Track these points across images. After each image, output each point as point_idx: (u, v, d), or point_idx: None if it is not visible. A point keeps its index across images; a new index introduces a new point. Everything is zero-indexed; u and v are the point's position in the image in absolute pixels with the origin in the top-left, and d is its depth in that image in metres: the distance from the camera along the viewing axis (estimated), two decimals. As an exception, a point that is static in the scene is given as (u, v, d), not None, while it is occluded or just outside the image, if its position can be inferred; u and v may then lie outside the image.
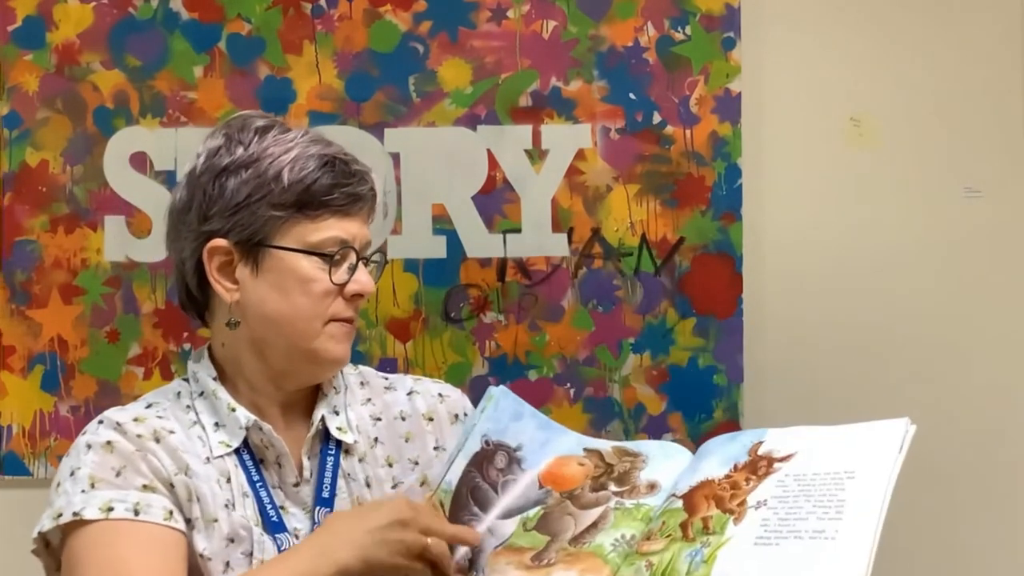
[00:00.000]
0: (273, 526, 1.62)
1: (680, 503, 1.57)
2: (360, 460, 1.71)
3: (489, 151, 2.53)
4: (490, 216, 2.52)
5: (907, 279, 2.54)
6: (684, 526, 1.55)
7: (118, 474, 1.58)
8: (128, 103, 2.53)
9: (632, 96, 2.53)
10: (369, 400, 1.77)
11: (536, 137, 2.53)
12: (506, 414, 1.72)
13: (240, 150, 1.64)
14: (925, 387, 2.53)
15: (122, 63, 2.53)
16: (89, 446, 1.60)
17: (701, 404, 2.52)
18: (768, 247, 2.54)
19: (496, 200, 2.53)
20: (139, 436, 1.61)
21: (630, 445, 1.70)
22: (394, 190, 2.53)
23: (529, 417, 1.72)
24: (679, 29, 2.52)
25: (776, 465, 1.55)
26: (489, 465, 1.68)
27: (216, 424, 1.66)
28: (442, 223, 2.52)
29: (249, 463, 1.65)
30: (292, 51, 2.53)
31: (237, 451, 1.65)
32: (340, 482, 1.68)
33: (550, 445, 1.69)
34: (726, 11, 2.51)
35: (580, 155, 2.53)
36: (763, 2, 2.54)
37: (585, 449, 1.69)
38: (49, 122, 2.52)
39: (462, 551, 1.63)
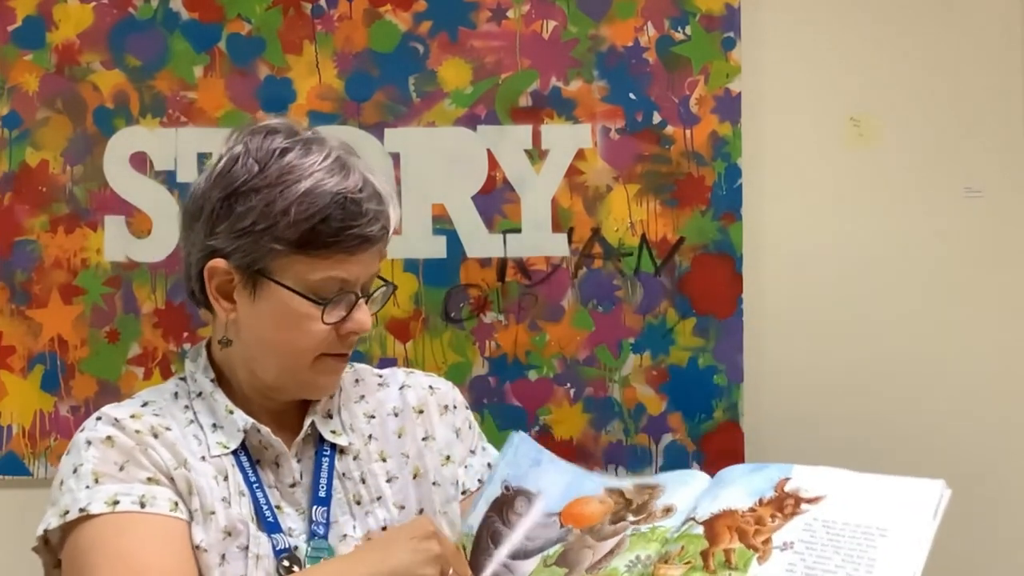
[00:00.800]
0: (269, 526, 1.62)
1: (700, 529, 1.55)
2: (355, 458, 1.71)
3: (489, 151, 2.53)
4: (490, 216, 2.52)
5: (907, 279, 2.54)
6: (705, 555, 1.52)
7: (121, 468, 1.58)
8: (128, 103, 2.52)
9: (632, 96, 2.53)
10: (363, 398, 1.77)
11: (536, 137, 2.53)
12: (525, 460, 1.73)
13: (256, 169, 1.60)
14: (925, 385, 2.53)
15: (122, 63, 2.53)
16: (89, 442, 1.60)
17: (701, 404, 2.52)
18: (768, 247, 2.54)
19: (496, 200, 2.53)
20: (137, 432, 1.61)
21: (650, 479, 1.68)
22: (394, 190, 2.52)
23: (548, 463, 1.73)
24: (679, 29, 2.52)
25: (804, 506, 1.52)
26: (509, 510, 1.69)
27: (214, 425, 1.66)
28: (442, 223, 2.52)
29: (246, 463, 1.65)
30: (292, 51, 2.53)
31: (234, 452, 1.65)
32: (336, 482, 1.68)
33: (571, 488, 1.70)
34: (726, 11, 2.51)
35: (580, 155, 2.53)
36: (763, 2, 2.54)
37: (606, 489, 1.68)
38: (49, 122, 2.52)
39: None
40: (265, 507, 1.63)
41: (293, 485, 1.66)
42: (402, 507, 1.71)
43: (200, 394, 1.68)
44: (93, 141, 2.52)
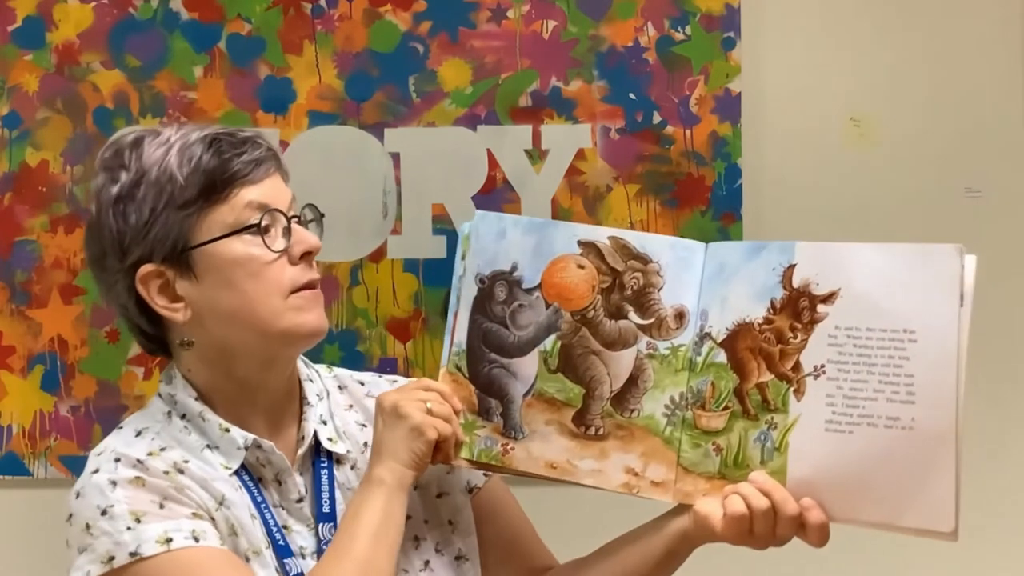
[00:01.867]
0: (281, 550, 1.54)
1: (723, 355, 1.50)
2: (352, 468, 1.63)
3: (489, 151, 2.53)
4: (490, 216, 2.52)
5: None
6: (740, 396, 1.49)
7: (161, 506, 1.48)
8: (128, 103, 2.53)
9: (632, 96, 2.53)
10: (351, 406, 1.69)
11: (536, 137, 2.53)
12: (489, 238, 1.58)
13: (123, 174, 1.54)
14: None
15: (122, 63, 2.53)
16: (114, 483, 1.49)
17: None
18: (768, 247, 2.53)
19: (496, 200, 2.53)
20: (166, 472, 1.51)
21: (632, 240, 1.55)
22: (394, 190, 2.53)
23: (512, 227, 1.58)
24: (679, 29, 2.52)
25: (821, 309, 1.46)
26: (491, 302, 1.57)
27: (208, 446, 1.56)
28: (442, 223, 2.52)
29: (250, 483, 1.56)
30: (292, 51, 2.53)
31: (236, 472, 1.55)
32: (337, 494, 1.60)
33: (543, 248, 1.56)
34: (726, 11, 2.51)
35: (580, 155, 2.53)
36: (763, 2, 2.54)
37: (580, 243, 1.55)
38: (49, 122, 2.52)
39: (492, 408, 1.56)
40: (275, 529, 1.55)
41: (300, 500, 1.58)
42: (408, 517, 1.59)
43: (184, 416, 1.57)
44: (93, 141, 2.52)
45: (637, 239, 1.55)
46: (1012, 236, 2.55)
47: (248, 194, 1.54)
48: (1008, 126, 2.55)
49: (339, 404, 1.68)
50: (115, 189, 1.54)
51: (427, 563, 1.62)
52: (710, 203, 2.52)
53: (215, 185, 1.53)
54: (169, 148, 1.54)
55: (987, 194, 2.55)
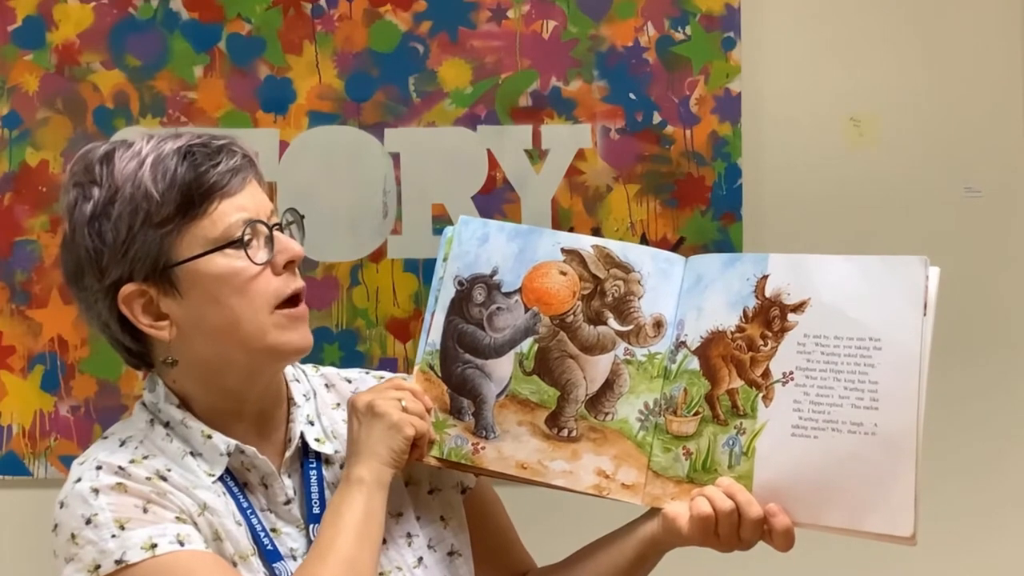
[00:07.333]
0: (269, 554, 1.53)
1: (696, 362, 1.52)
2: (341, 467, 1.61)
3: (489, 151, 2.53)
4: (490, 216, 2.52)
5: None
6: (711, 402, 1.51)
7: (145, 511, 1.47)
8: (128, 103, 2.53)
9: (632, 96, 2.53)
10: (339, 405, 1.67)
11: (536, 137, 2.53)
12: (472, 243, 1.60)
13: (96, 190, 1.51)
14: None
15: (122, 63, 2.53)
16: (97, 490, 1.48)
17: (701, 404, 2.52)
18: (768, 246, 2.53)
19: (496, 200, 2.53)
20: (148, 479, 1.50)
21: (615, 249, 1.58)
22: (394, 190, 2.53)
23: (496, 232, 1.60)
24: (679, 29, 2.52)
25: (791, 318, 1.49)
26: (468, 304, 1.58)
27: (191, 453, 1.55)
28: (442, 223, 2.52)
29: (235, 489, 1.55)
30: (292, 51, 2.53)
31: (221, 478, 1.54)
32: (327, 494, 1.59)
33: (525, 254, 1.58)
34: (726, 11, 2.52)
35: (580, 155, 2.53)
36: (763, 2, 2.54)
37: (563, 250, 1.58)
38: (49, 122, 2.52)
39: (464, 407, 1.57)
40: (262, 534, 1.54)
41: (288, 502, 1.57)
42: (400, 514, 1.62)
43: (168, 423, 1.56)
44: (93, 141, 2.51)
45: (620, 248, 1.58)
46: (1012, 236, 2.55)
47: (227, 206, 1.51)
48: (1008, 126, 2.55)
49: (326, 403, 1.67)
50: (89, 207, 1.51)
51: (420, 560, 1.62)
52: (710, 203, 2.52)
53: (192, 200, 1.50)
54: (142, 162, 1.51)
55: (987, 194, 2.55)
